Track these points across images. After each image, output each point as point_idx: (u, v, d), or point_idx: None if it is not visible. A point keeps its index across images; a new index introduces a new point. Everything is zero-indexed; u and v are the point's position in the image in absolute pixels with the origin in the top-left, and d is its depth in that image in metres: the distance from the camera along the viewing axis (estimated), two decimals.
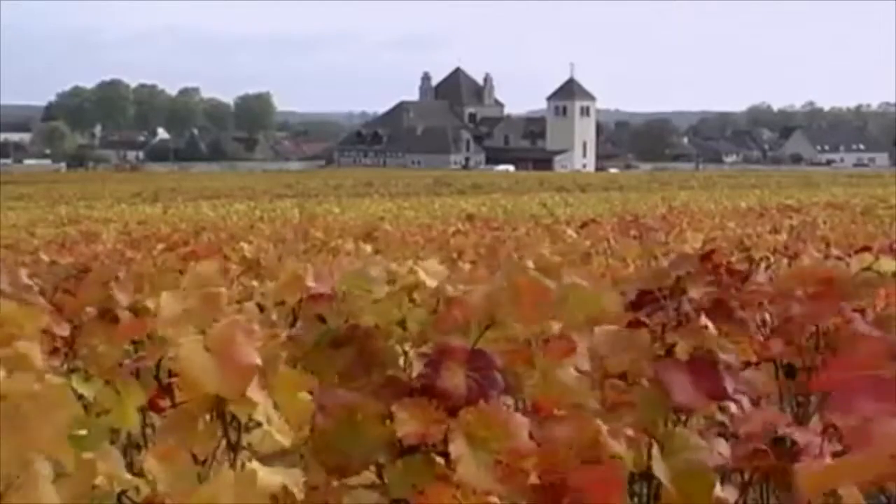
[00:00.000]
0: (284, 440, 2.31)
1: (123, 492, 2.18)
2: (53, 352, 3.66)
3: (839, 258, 6.40)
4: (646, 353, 2.69)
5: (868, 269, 3.73)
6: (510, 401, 2.38)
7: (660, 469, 2.48)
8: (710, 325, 2.71)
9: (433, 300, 2.64)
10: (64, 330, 3.47)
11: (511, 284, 2.44)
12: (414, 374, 2.45)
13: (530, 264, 2.64)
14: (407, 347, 2.63)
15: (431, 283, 2.69)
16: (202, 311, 2.42)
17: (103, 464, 2.13)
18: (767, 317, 3.32)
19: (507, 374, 2.36)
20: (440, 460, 2.25)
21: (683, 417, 2.70)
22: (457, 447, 2.18)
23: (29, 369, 2.06)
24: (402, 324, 2.65)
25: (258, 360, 2.21)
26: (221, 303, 2.47)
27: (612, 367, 2.71)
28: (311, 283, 3.78)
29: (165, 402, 2.73)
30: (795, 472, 1.74)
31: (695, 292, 2.86)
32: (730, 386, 2.61)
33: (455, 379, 2.29)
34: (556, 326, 2.64)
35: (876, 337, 2.31)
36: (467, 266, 7.96)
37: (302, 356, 2.66)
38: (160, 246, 11.61)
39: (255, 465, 2.19)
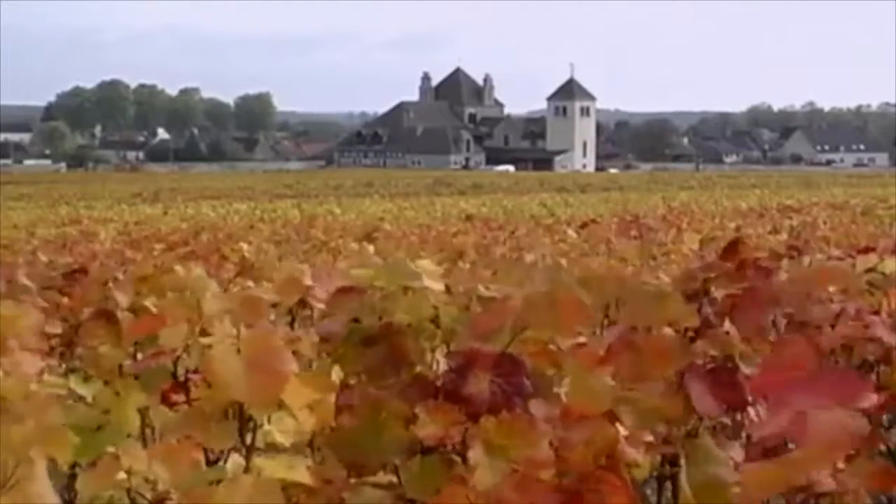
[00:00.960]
0: (286, 440, 2.29)
1: (128, 489, 2.17)
2: (50, 352, 3.64)
3: (840, 258, 6.37)
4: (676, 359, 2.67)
5: (872, 269, 3.71)
6: (540, 405, 2.35)
7: (685, 478, 2.48)
8: (733, 331, 2.69)
9: (464, 297, 2.62)
10: (56, 328, 3.45)
11: (551, 293, 2.42)
12: (440, 372, 2.44)
13: (575, 272, 2.62)
14: (434, 345, 2.61)
15: (426, 282, 2.67)
16: (243, 312, 2.41)
17: (126, 458, 2.12)
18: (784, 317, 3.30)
19: (536, 377, 2.35)
20: (459, 462, 2.24)
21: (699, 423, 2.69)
22: (475, 454, 2.18)
23: (19, 369, 2.04)
24: (434, 321, 2.62)
25: (292, 370, 2.19)
26: (263, 306, 2.46)
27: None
28: (308, 282, 3.76)
29: (179, 397, 2.72)
30: (741, 475, 1.75)
31: (718, 293, 2.84)
32: (750, 395, 2.59)
33: (480, 385, 2.28)
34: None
35: (797, 339, 2.32)
36: (467, 266, 7.96)
37: (332, 351, 2.64)
38: (159, 246, 11.59)
39: (262, 460, 2.18)
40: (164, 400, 2.78)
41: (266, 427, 2.32)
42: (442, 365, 2.47)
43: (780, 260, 3.95)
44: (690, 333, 2.75)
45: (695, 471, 2.50)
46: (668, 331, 2.70)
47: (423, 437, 2.23)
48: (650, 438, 2.44)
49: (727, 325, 2.72)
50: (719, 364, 2.65)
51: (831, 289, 3.26)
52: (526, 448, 2.17)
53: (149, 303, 3.66)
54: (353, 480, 2.30)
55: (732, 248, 3.06)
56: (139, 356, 3.10)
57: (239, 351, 2.17)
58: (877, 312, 3.04)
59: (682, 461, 2.52)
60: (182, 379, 2.73)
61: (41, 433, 1.84)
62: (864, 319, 2.87)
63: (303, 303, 4.01)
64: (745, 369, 2.63)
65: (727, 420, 2.77)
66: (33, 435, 1.84)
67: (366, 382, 2.51)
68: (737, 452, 2.58)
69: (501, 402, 2.27)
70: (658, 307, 2.68)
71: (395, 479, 2.31)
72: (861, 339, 2.85)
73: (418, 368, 2.50)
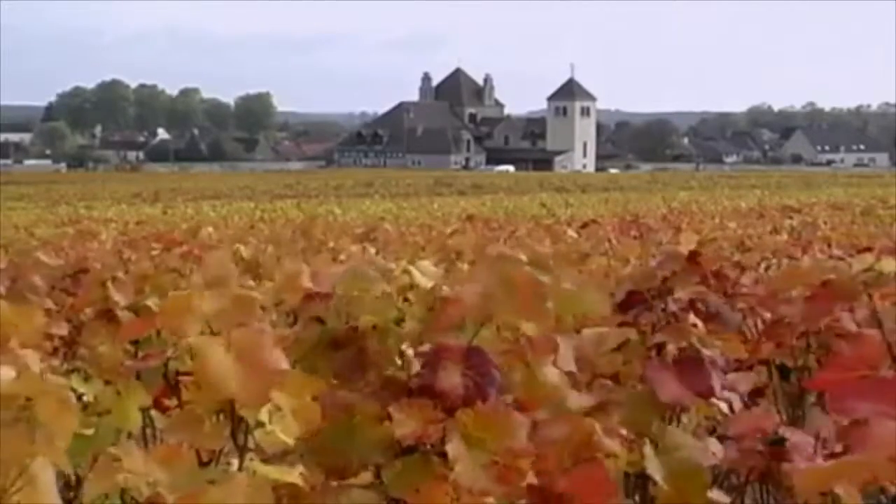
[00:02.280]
0: (288, 440, 2.30)
1: (124, 491, 2.17)
2: (53, 352, 3.65)
3: (840, 258, 6.37)
4: (636, 353, 2.68)
5: (869, 269, 3.71)
6: (508, 398, 2.36)
7: (654, 467, 2.47)
8: (698, 323, 2.69)
9: (430, 298, 2.63)
10: (62, 329, 3.45)
11: (504, 280, 2.42)
12: (412, 373, 2.44)
13: (523, 258, 2.62)
14: (404, 346, 2.62)
15: (426, 283, 2.68)
16: (234, 312, 2.41)
17: (126, 460, 2.12)
18: (758, 318, 3.31)
19: (504, 373, 2.36)
20: (438, 460, 2.24)
21: (676, 418, 2.69)
22: (454, 447, 2.18)
23: (23, 369, 2.04)
24: (399, 322, 2.63)
25: (282, 368, 2.20)
26: (254, 306, 2.46)
27: (602, 367, 2.69)
28: (308, 283, 3.76)
29: (171, 402, 2.72)
30: (793, 473, 1.72)
31: (681, 293, 2.84)
32: (717, 383, 2.59)
33: (452, 379, 2.29)
34: (529, 326, 2.63)
35: (870, 336, 2.30)
36: (466, 266, 7.93)
37: (301, 357, 2.65)
38: (157, 246, 11.57)
39: (255, 463, 2.18)
40: (157, 405, 2.78)
41: (268, 427, 2.32)
42: (414, 365, 2.47)
43: (741, 269, 3.96)
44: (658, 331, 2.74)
45: (669, 458, 2.50)
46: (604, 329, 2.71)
47: (401, 436, 2.23)
48: (625, 432, 2.45)
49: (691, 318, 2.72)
50: (685, 352, 2.64)
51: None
52: (504, 438, 2.18)
53: (150, 302, 3.67)
54: (334, 483, 2.31)
55: (693, 258, 3.02)
56: (140, 355, 3.10)
57: (229, 350, 2.17)
58: (851, 310, 3.04)
59: (647, 451, 2.50)
60: (173, 381, 2.73)
61: (49, 437, 1.84)
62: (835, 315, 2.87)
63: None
64: (708, 353, 2.62)
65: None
66: (41, 438, 1.84)
67: (337, 386, 2.51)
68: (715, 447, 2.58)
69: (475, 394, 2.27)
70: (573, 302, 2.67)
71: (377, 480, 2.32)
72: (832, 334, 2.85)
73: (389, 370, 2.51)
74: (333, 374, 2.55)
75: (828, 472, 1.60)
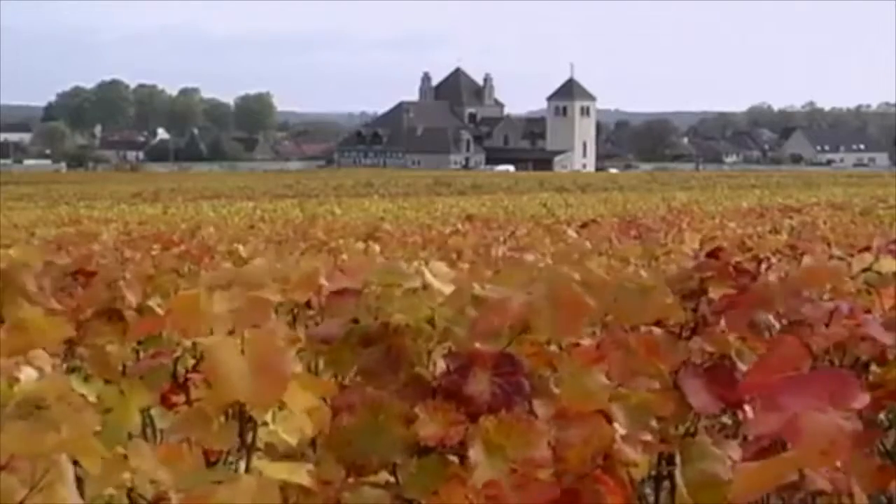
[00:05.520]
0: (292, 440, 2.30)
1: (129, 489, 2.18)
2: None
3: (840, 258, 6.38)
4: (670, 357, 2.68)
5: (868, 269, 3.72)
6: (541, 403, 2.36)
7: (679, 478, 2.49)
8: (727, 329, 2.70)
9: (460, 299, 2.63)
10: (70, 331, 3.45)
11: (552, 294, 2.43)
12: (437, 373, 2.45)
13: (576, 276, 2.62)
14: (430, 346, 2.62)
15: (437, 284, 2.68)
16: (249, 314, 2.41)
17: (135, 458, 2.13)
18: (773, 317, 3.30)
19: (532, 377, 2.36)
20: (456, 461, 2.25)
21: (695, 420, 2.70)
22: (475, 453, 2.19)
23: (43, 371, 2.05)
24: (430, 322, 2.63)
25: (294, 370, 2.20)
26: (269, 308, 2.46)
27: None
28: (323, 281, 3.77)
29: (179, 399, 2.72)
30: (735, 474, 1.75)
31: (714, 293, 2.85)
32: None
33: (480, 385, 2.29)
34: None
35: (790, 338, 2.34)
36: (466, 266, 7.94)
37: (327, 352, 2.65)
38: (157, 246, 11.58)
39: (262, 462, 2.18)
40: (164, 401, 2.78)
41: (271, 427, 2.32)
42: (439, 365, 2.47)
43: (760, 264, 3.94)
44: (686, 333, 2.75)
45: (690, 469, 2.51)
46: (656, 329, 2.71)
47: (424, 436, 2.24)
48: (648, 437, 2.45)
49: (723, 323, 2.73)
50: (716, 361, 2.66)
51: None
52: (525, 448, 2.18)
53: (153, 302, 3.68)
54: (351, 480, 2.31)
55: (715, 255, 3.06)
56: (143, 355, 3.11)
57: (242, 351, 2.18)
58: (869, 311, 3.04)
59: (678, 459, 2.52)
60: (181, 379, 2.73)
61: (73, 438, 1.85)
62: (857, 318, 2.87)
63: (307, 302, 4.03)
64: (742, 367, 2.63)
65: (727, 419, 2.78)
66: (66, 440, 1.84)
67: (363, 383, 2.51)
68: (735, 451, 2.59)
69: (501, 402, 2.28)
70: (645, 303, 2.68)
71: (392, 479, 2.32)
72: (854, 338, 2.85)
73: (416, 369, 2.51)
74: (360, 370, 2.55)
75: (766, 470, 1.62)
